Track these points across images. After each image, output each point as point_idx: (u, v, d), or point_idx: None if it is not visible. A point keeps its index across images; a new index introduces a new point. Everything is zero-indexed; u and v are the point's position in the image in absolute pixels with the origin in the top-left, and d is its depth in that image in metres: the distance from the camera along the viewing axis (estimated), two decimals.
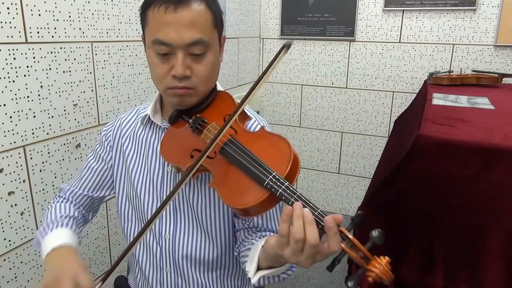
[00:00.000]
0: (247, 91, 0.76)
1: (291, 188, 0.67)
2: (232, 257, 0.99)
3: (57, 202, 1.04)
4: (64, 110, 1.37)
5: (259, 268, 0.77)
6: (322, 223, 0.64)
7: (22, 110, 1.23)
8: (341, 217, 0.65)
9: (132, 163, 0.99)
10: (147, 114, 0.96)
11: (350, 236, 0.64)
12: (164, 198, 0.93)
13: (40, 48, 1.26)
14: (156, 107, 0.97)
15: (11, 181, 1.23)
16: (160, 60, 0.84)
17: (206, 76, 0.86)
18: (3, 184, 1.20)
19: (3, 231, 1.22)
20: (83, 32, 1.40)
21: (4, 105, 1.17)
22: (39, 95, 1.27)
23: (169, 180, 0.94)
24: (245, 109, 0.89)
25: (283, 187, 0.66)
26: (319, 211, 0.65)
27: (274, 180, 0.67)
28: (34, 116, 1.27)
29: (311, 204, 0.66)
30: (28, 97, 1.24)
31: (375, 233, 0.64)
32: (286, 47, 0.71)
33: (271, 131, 0.95)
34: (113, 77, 1.56)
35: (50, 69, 1.30)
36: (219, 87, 0.96)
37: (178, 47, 0.81)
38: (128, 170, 0.99)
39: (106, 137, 1.04)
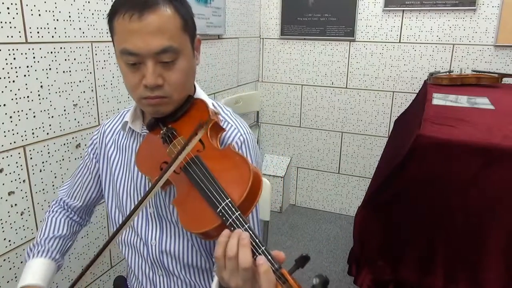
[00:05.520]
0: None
1: (240, 219, 0.64)
2: None
3: (53, 214, 1.06)
4: (64, 110, 1.37)
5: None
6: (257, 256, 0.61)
7: (22, 110, 1.23)
8: (283, 256, 0.62)
9: (116, 170, 0.98)
10: (127, 121, 0.94)
11: (290, 279, 0.59)
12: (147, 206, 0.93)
13: (40, 48, 1.26)
14: (137, 113, 0.94)
15: (11, 181, 1.23)
16: (130, 70, 0.80)
17: (179, 83, 0.82)
18: (3, 184, 1.20)
19: (3, 231, 1.22)
20: (83, 32, 1.40)
21: (4, 105, 1.17)
22: (39, 95, 1.27)
23: None
24: (221, 117, 0.86)
25: (233, 217, 0.64)
26: (263, 248, 0.62)
27: (226, 208, 0.65)
28: (34, 116, 1.27)
29: (259, 238, 0.63)
30: (28, 97, 1.24)
31: (315, 281, 0.59)
32: None
33: (253, 140, 0.90)
34: (113, 77, 1.56)
35: (50, 69, 1.30)
36: (200, 92, 0.93)
37: (146, 56, 0.77)
38: (113, 177, 0.98)
39: (92, 146, 1.03)
